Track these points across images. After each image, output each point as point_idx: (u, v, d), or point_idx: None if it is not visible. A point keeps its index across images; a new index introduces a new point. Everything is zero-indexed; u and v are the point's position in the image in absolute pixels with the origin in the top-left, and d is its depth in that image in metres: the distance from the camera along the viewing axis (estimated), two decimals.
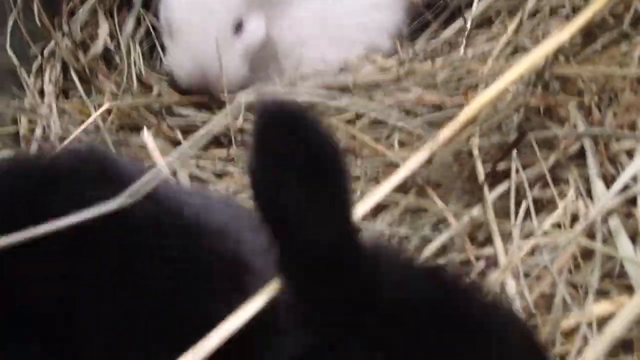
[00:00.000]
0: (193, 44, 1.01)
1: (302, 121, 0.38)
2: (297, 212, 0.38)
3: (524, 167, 0.85)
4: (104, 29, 1.10)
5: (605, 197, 0.75)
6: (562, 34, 0.65)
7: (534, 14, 1.07)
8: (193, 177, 0.91)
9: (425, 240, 0.81)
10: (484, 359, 0.41)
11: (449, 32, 1.20)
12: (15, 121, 0.99)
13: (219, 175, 0.93)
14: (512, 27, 1.06)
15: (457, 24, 1.20)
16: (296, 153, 0.37)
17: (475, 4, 1.16)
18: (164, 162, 0.78)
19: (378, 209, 0.85)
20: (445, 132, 0.64)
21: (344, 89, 1.06)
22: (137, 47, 1.09)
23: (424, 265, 0.47)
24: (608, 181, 0.80)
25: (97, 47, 1.07)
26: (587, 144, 0.83)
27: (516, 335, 0.45)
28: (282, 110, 0.39)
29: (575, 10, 0.99)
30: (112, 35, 1.12)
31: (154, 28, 1.16)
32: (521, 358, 0.44)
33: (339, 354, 0.39)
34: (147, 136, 0.83)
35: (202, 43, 1.00)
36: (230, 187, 0.90)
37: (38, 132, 0.95)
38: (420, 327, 0.40)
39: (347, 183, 0.40)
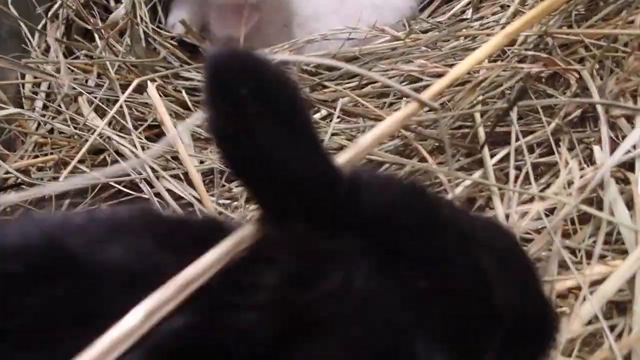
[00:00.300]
0: None
1: (257, 63, 0.38)
2: (271, 148, 0.38)
3: (525, 134, 0.86)
4: None
5: (605, 167, 0.75)
6: None
7: None
8: (196, 138, 0.92)
9: None
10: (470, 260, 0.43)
11: (456, 6, 1.20)
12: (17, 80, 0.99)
13: None
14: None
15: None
16: (257, 93, 0.37)
17: None
18: (168, 117, 0.79)
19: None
20: (435, 87, 0.65)
21: (351, 59, 1.07)
22: (143, 6, 1.07)
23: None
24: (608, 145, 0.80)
25: (118, 13, 1.05)
26: (588, 112, 0.85)
27: (499, 239, 0.47)
28: (236, 57, 0.38)
29: None
30: None
31: None
32: (505, 260, 0.45)
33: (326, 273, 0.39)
34: (151, 89, 0.84)
35: None
36: None
37: (43, 89, 0.96)
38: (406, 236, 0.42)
39: (310, 116, 0.41)
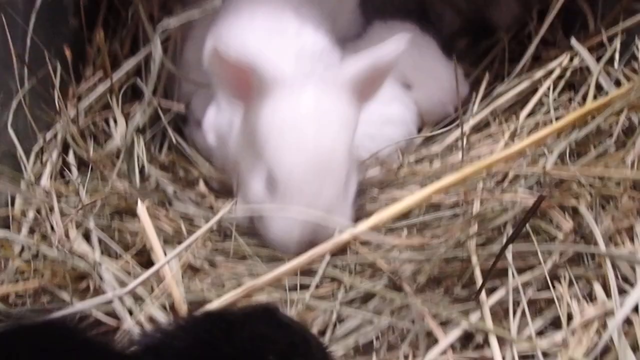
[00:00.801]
0: (307, 205, 0.90)
1: None
2: None
3: (520, 272, 0.84)
4: (120, 124, 1.09)
5: (614, 322, 0.73)
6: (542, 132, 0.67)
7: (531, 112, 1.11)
8: (187, 265, 0.90)
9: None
10: None
11: (450, 137, 1.22)
12: (6, 202, 0.98)
13: (212, 264, 0.92)
14: (508, 133, 1.08)
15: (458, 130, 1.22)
16: None
17: (474, 107, 1.20)
18: (157, 240, 0.77)
19: (366, 298, 0.84)
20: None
21: None
22: (141, 140, 1.08)
23: None
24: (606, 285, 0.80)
25: (113, 143, 1.05)
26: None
27: None
28: None
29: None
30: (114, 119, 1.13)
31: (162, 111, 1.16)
32: None
33: None
34: (141, 210, 0.82)
35: (317, 204, 0.91)
36: (223, 274, 0.89)
37: (31, 214, 0.94)
38: None
39: None
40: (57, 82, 1.09)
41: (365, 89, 0.96)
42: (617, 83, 1.08)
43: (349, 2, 1.31)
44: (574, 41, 1.14)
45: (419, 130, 1.28)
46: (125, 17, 1.30)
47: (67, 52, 1.03)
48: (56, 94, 1.07)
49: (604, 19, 1.21)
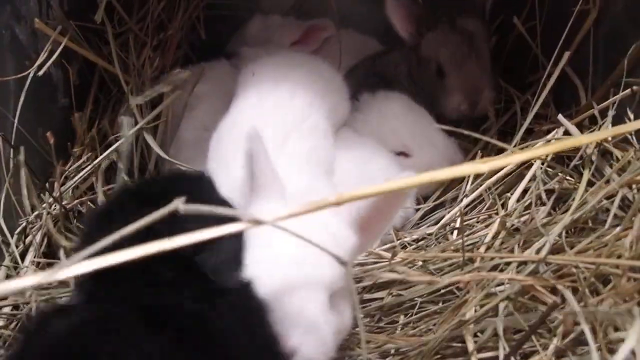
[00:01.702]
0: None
1: None
2: None
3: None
4: None
5: None
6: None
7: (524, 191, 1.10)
8: None
9: None
10: None
11: (445, 217, 1.19)
12: None
13: None
14: (502, 212, 1.07)
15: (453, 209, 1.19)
16: None
17: (467, 185, 1.19)
18: None
19: None
20: None
21: None
22: None
23: None
24: None
25: None
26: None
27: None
28: None
29: None
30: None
31: None
32: None
33: None
34: None
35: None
36: None
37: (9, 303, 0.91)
38: None
39: None
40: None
41: (367, 226, 0.83)
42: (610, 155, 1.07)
43: (342, 87, 1.31)
44: (561, 118, 1.13)
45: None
46: (115, 94, 1.31)
47: (51, 139, 1.01)
48: (42, 178, 1.05)
49: (594, 92, 1.20)
